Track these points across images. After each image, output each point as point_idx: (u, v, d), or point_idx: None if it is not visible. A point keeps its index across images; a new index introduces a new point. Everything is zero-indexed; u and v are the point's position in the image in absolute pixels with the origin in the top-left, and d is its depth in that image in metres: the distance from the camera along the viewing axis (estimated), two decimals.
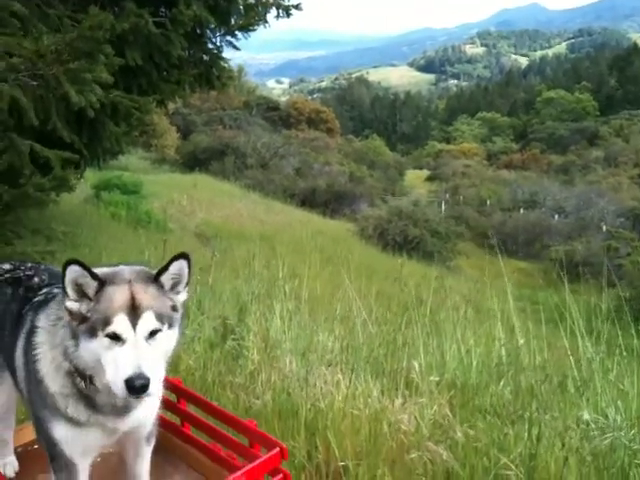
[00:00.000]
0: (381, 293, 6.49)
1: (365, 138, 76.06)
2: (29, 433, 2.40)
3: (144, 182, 20.62)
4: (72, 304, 1.82)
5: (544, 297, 4.15)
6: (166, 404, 2.56)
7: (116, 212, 15.68)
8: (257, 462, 2.10)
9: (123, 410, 1.94)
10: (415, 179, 59.14)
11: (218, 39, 7.58)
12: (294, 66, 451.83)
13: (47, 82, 5.00)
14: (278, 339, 4.42)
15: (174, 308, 1.92)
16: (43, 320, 1.97)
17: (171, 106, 22.62)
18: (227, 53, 8.08)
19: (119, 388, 1.73)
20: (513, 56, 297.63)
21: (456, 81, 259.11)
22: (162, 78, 6.80)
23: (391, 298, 5.88)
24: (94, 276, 1.83)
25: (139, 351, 1.76)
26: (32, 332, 1.96)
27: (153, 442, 2.22)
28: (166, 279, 1.91)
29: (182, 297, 1.96)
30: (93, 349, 1.78)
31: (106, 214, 15.14)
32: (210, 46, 7.69)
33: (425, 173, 62.85)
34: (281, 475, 2.13)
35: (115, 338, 1.77)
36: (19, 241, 5.03)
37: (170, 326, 1.87)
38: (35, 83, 5.01)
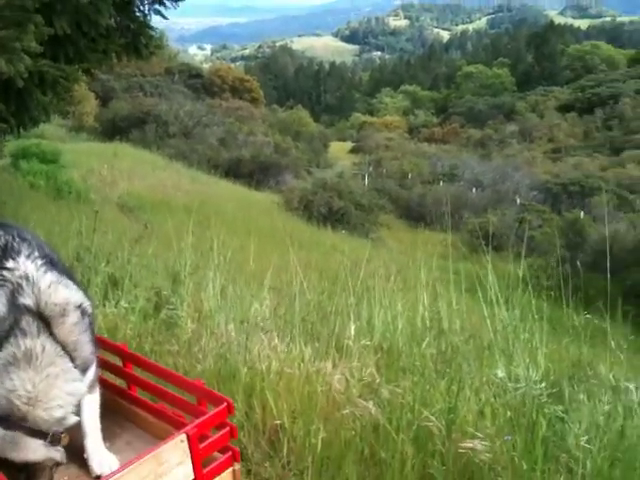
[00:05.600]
0: (310, 263, 6.70)
1: (289, 108, 75.49)
2: None
3: (62, 151, 19.97)
4: None
5: (462, 267, 4.44)
6: (112, 368, 2.64)
7: (35, 182, 15.24)
8: (205, 417, 2.21)
9: None
10: (339, 151, 59.52)
11: (146, 7, 7.45)
12: (216, 32, 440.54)
13: None
14: (213, 309, 4.53)
15: None
16: None
17: None
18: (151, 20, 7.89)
19: None
20: (435, 30, 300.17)
21: (379, 53, 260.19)
22: (89, 47, 6.63)
23: (322, 268, 6.09)
24: None
25: None
26: None
27: (96, 391, 2.23)
28: None
29: None
30: None
31: (25, 184, 14.66)
32: (137, 14, 7.53)
33: (349, 145, 63.36)
34: (227, 428, 2.24)
35: None
36: None
37: None
38: None
